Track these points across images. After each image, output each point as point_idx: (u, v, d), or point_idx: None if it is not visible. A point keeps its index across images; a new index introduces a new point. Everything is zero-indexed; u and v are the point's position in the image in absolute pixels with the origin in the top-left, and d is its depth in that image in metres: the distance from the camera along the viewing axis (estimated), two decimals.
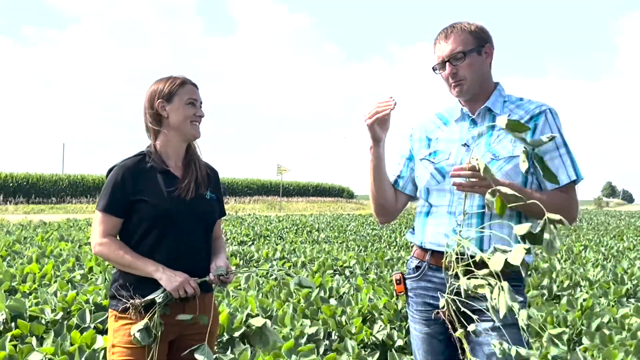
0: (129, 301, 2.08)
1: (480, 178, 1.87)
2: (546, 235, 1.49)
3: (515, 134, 1.72)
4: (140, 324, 2.06)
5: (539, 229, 1.52)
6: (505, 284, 1.54)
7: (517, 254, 1.53)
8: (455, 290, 2.04)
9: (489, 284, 1.60)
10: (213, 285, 2.19)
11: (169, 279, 2.06)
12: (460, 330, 1.74)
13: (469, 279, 1.66)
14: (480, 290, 1.62)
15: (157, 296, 2.07)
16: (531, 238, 1.54)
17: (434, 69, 2.17)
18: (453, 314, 1.76)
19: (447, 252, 1.81)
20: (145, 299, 2.08)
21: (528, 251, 1.54)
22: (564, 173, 2.03)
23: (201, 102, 2.29)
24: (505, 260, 1.57)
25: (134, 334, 2.05)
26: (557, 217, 1.51)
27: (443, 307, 1.79)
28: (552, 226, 1.49)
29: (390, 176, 2.33)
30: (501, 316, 1.55)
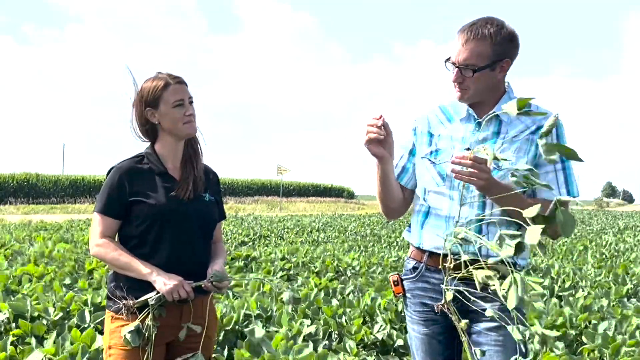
0: (122, 302, 2.08)
1: (480, 170, 1.84)
2: (560, 216, 1.45)
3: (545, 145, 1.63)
4: (131, 325, 2.05)
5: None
6: (518, 276, 1.50)
7: (533, 234, 1.47)
8: (454, 291, 2.04)
9: (498, 276, 1.55)
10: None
11: (163, 282, 2.04)
12: (464, 321, 1.72)
13: (474, 270, 1.62)
14: (490, 282, 1.57)
15: (150, 298, 2.06)
16: (543, 220, 1.48)
17: (445, 62, 2.10)
18: (453, 308, 1.74)
19: (448, 253, 1.79)
20: (138, 300, 2.07)
21: (544, 231, 1.48)
22: (555, 190, 2.01)
23: (191, 98, 2.19)
24: (516, 245, 1.53)
25: (124, 335, 2.04)
26: (567, 198, 1.47)
27: (444, 302, 1.77)
28: (563, 208, 1.44)
29: (395, 171, 2.26)
30: (510, 306, 1.49)
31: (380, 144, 2.08)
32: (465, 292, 1.79)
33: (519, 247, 1.54)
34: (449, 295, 1.76)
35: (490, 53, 2.00)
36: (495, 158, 1.68)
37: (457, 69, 2.04)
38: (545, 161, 1.95)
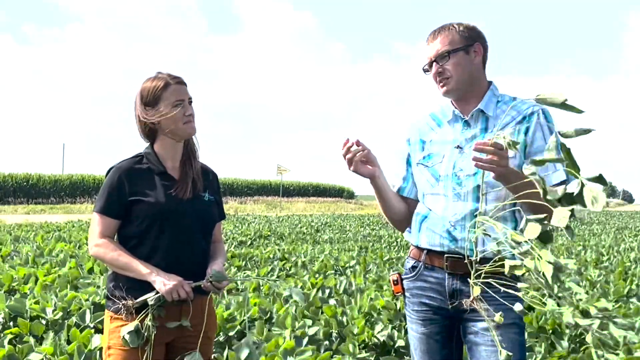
0: (121, 302, 2.08)
1: (500, 156, 1.82)
2: (587, 193, 1.40)
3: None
4: (131, 326, 2.05)
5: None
6: (544, 252, 1.47)
7: (561, 216, 1.44)
8: (455, 289, 2.05)
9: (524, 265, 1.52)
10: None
11: (162, 282, 2.05)
12: (498, 315, 1.70)
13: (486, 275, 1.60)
14: (517, 272, 1.55)
15: (150, 298, 2.06)
16: (569, 199, 1.44)
17: (424, 70, 2.19)
18: (481, 304, 1.73)
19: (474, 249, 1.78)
20: (137, 300, 2.07)
21: (572, 213, 1.44)
22: (555, 174, 2.03)
23: (190, 99, 2.20)
24: (542, 234, 1.49)
25: (123, 336, 2.04)
26: (595, 174, 1.45)
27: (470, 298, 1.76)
28: (591, 184, 1.41)
29: (395, 183, 2.33)
30: (549, 274, 1.44)
31: (365, 163, 2.14)
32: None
33: (546, 236, 1.49)
34: (477, 290, 1.74)
35: (459, 39, 2.12)
36: (514, 143, 1.66)
37: (434, 62, 2.13)
38: (537, 148, 2.00)
